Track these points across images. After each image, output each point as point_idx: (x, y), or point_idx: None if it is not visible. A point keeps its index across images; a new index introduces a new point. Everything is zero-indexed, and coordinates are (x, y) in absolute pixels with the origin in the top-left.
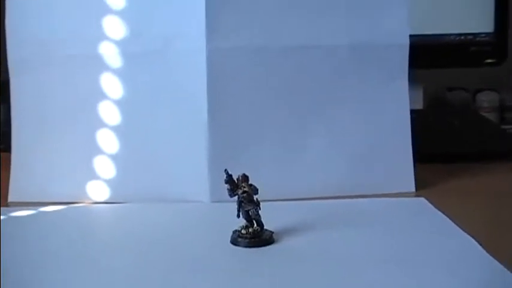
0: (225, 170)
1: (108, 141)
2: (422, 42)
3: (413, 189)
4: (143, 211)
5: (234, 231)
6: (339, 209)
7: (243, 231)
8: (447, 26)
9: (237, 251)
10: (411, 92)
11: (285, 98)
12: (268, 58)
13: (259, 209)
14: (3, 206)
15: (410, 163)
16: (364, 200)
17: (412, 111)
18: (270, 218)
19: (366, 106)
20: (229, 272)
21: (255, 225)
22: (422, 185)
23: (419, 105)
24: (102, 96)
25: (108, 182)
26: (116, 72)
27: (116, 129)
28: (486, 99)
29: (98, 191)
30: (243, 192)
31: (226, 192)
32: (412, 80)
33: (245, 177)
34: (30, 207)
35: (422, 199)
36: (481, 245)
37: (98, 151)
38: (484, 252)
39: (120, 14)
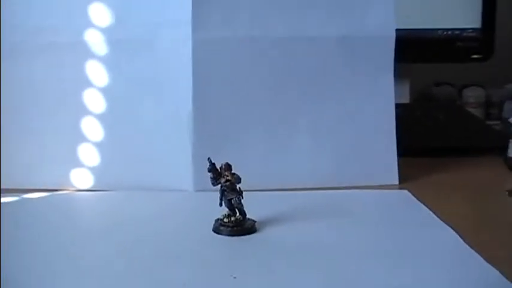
0: (208, 158)
1: (92, 129)
2: (409, 36)
3: (397, 182)
4: (127, 199)
5: (216, 220)
6: (322, 200)
7: (225, 220)
8: (435, 21)
9: (219, 239)
10: (398, 86)
11: (271, 89)
12: (255, 49)
13: (242, 198)
14: None
15: (394, 156)
16: (347, 192)
17: (398, 105)
18: (254, 207)
19: (351, 98)
20: (210, 261)
21: (238, 214)
22: (406, 178)
23: (405, 99)
24: (87, 83)
25: (93, 169)
26: (101, 59)
27: (100, 117)
28: (472, 95)
29: (82, 178)
30: (225, 181)
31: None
32: (399, 74)
33: (228, 166)
34: (13, 194)
35: (405, 191)
36: (462, 237)
37: (83, 139)
38: (465, 244)
39: (107, 1)
